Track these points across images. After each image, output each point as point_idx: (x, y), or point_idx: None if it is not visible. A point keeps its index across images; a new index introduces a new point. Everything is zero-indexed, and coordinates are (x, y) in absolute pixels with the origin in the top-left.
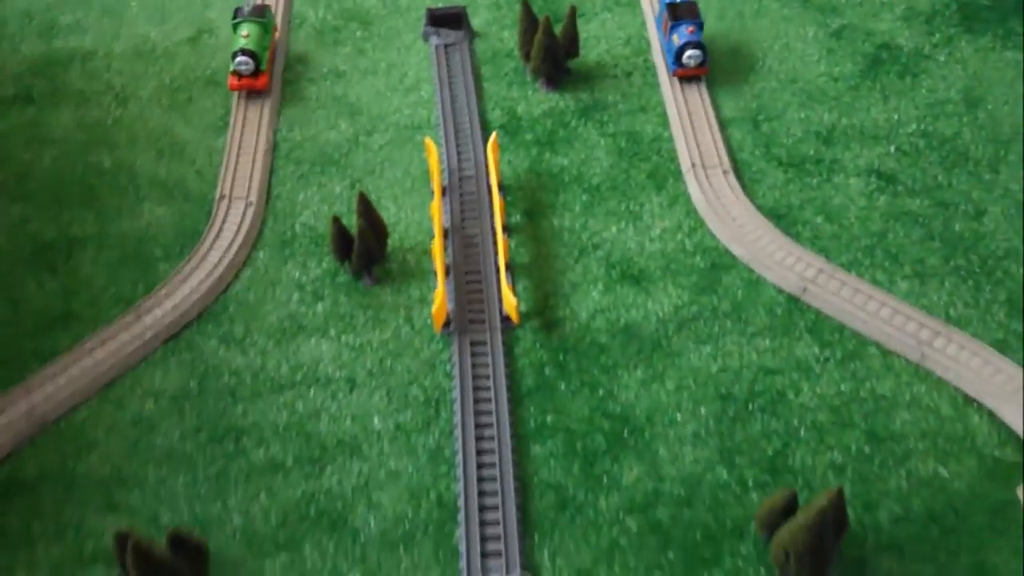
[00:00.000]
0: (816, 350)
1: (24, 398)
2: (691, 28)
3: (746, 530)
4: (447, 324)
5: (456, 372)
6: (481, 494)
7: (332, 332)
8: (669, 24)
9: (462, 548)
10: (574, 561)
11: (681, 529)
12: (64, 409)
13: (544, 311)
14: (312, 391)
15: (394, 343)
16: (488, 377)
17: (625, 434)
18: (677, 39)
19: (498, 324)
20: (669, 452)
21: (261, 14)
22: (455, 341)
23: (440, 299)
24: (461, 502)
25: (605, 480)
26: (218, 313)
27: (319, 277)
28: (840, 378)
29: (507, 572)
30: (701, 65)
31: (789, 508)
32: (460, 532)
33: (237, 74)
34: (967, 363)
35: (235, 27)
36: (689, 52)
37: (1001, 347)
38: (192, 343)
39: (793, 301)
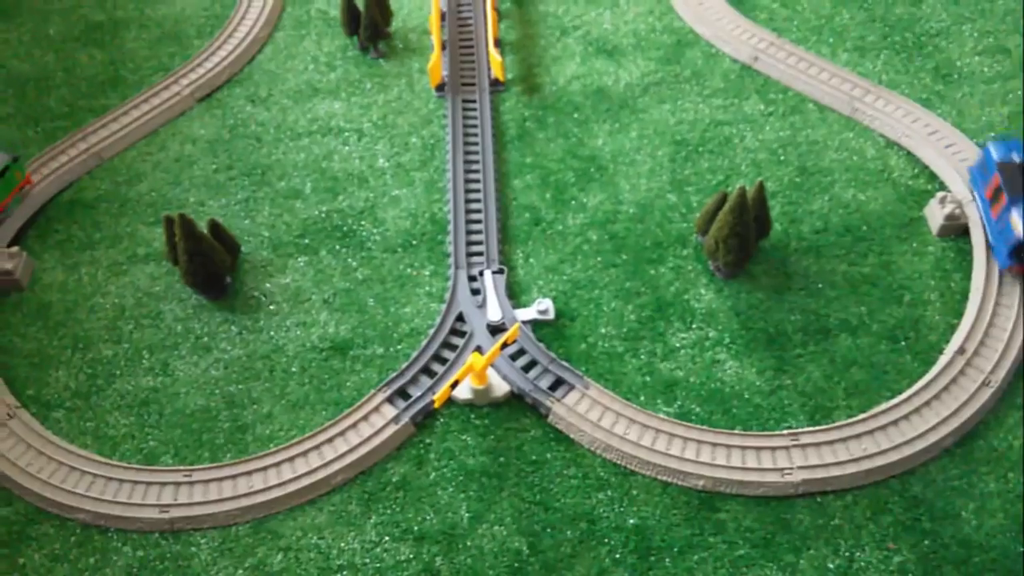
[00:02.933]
0: (762, 107)
1: (82, 140)
2: None
3: (688, 239)
4: (441, 87)
5: (449, 124)
6: (468, 212)
7: (343, 95)
8: (1006, 198)
9: (451, 249)
10: (543, 261)
11: (634, 238)
12: (116, 150)
13: (527, 78)
14: (326, 138)
15: (396, 103)
16: (476, 126)
17: (592, 171)
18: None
19: (487, 86)
20: (628, 183)
21: None
22: (449, 100)
23: (436, 58)
24: (451, 217)
25: (572, 204)
26: (244, 79)
27: (332, 52)
28: (780, 128)
29: (487, 266)
30: None
31: (719, 207)
32: (450, 239)
33: None
34: (892, 114)
35: None
36: None
37: (925, 104)
38: (223, 101)
39: (746, 68)
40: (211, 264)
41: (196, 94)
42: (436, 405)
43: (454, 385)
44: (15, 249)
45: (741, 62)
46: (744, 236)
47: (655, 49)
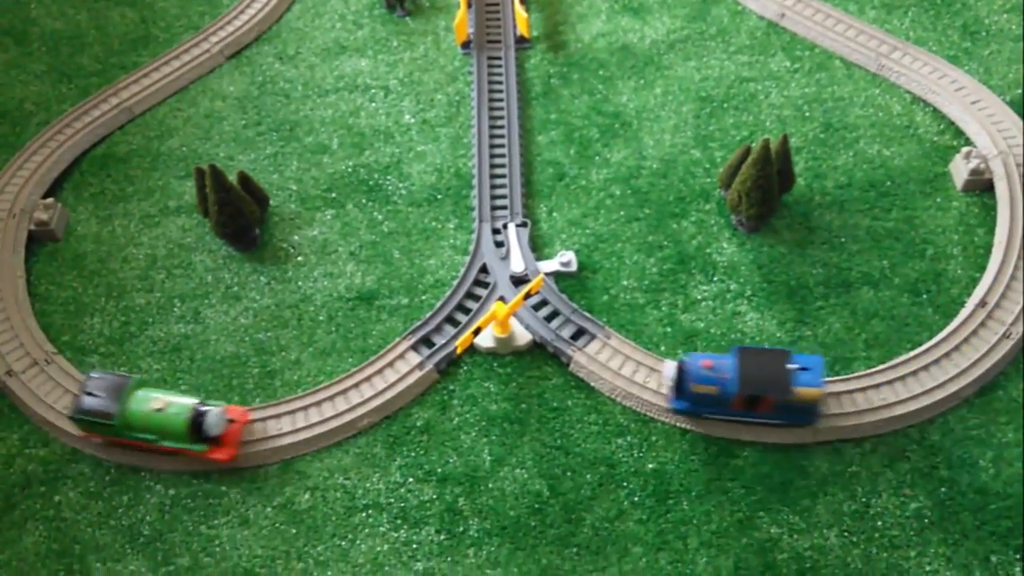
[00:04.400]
0: (788, 64)
1: (113, 95)
2: None
3: (711, 194)
4: (467, 44)
5: (475, 80)
6: (492, 167)
7: (370, 52)
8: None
9: (475, 203)
10: (566, 215)
11: (657, 193)
12: (147, 105)
13: (553, 36)
14: (353, 95)
15: (422, 60)
16: (501, 83)
17: (616, 127)
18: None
19: (512, 43)
20: (652, 139)
21: None
22: (475, 56)
23: (462, 15)
24: (475, 172)
25: (596, 160)
26: (272, 37)
27: (359, 10)
28: (806, 84)
29: (511, 219)
30: None
31: (743, 160)
32: (474, 193)
33: None
34: (919, 71)
35: None
36: None
37: (952, 61)
38: (252, 59)
39: (772, 25)
40: (240, 215)
41: (225, 52)
42: (458, 351)
43: (476, 332)
44: (50, 200)
45: (767, 19)
46: (767, 189)
47: (681, 7)
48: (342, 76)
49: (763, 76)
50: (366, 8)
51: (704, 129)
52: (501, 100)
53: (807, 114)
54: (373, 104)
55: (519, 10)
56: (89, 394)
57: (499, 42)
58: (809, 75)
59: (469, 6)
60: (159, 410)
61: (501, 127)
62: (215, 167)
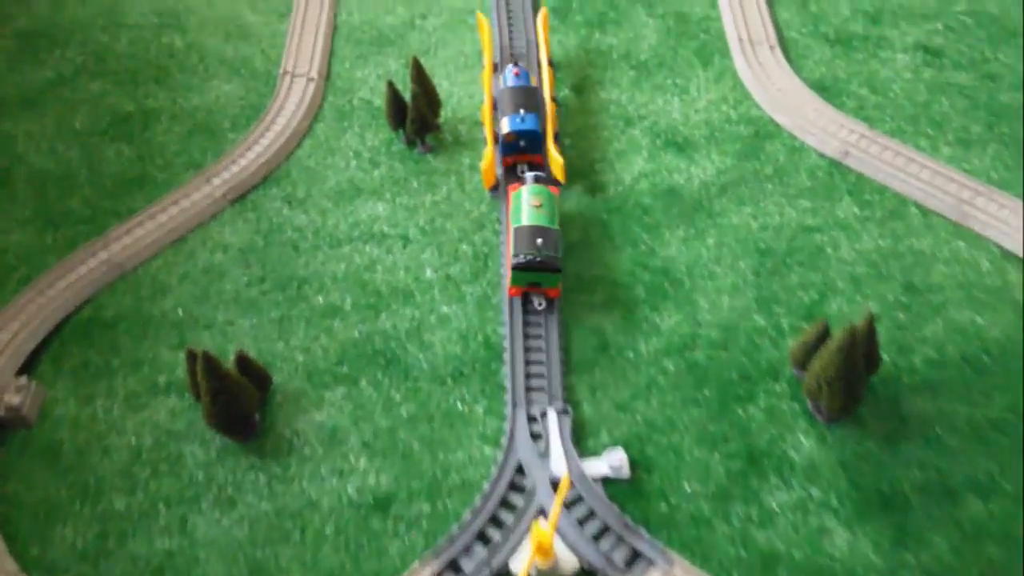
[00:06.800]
0: (856, 210)
1: (104, 249)
2: None
3: (781, 371)
4: (495, 187)
5: (504, 229)
6: (526, 337)
7: (387, 195)
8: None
9: (507, 383)
10: (613, 396)
11: (717, 369)
12: (140, 259)
13: (590, 175)
14: (368, 246)
15: (445, 204)
16: None
17: (665, 286)
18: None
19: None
20: (708, 301)
21: None
22: (503, 201)
23: (489, 157)
24: (507, 343)
25: (645, 326)
26: (281, 177)
27: (375, 146)
28: (879, 235)
29: (549, 403)
30: None
31: (822, 340)
32: (506, 369)
33: None
34: (1007, 220)
35: None
36: None
37: None
38: (257, 203)
39: (835, 165)
40: (237, 404)
41: (229, 195)
42: None
43: None
44: (24, 380)
45: (829, 157)
46: (852, 380)
47: (731, 142)
48: (357, 223)
49: (829, 225)
50: (383, 144)
51: (766, 289)
52: None
53: (883, 272)
54: (391, 257)
55: (554, 154)
56: None
57: None
58: (882, 224)
59: (497, 142)
60: None
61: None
62: (208, 355)
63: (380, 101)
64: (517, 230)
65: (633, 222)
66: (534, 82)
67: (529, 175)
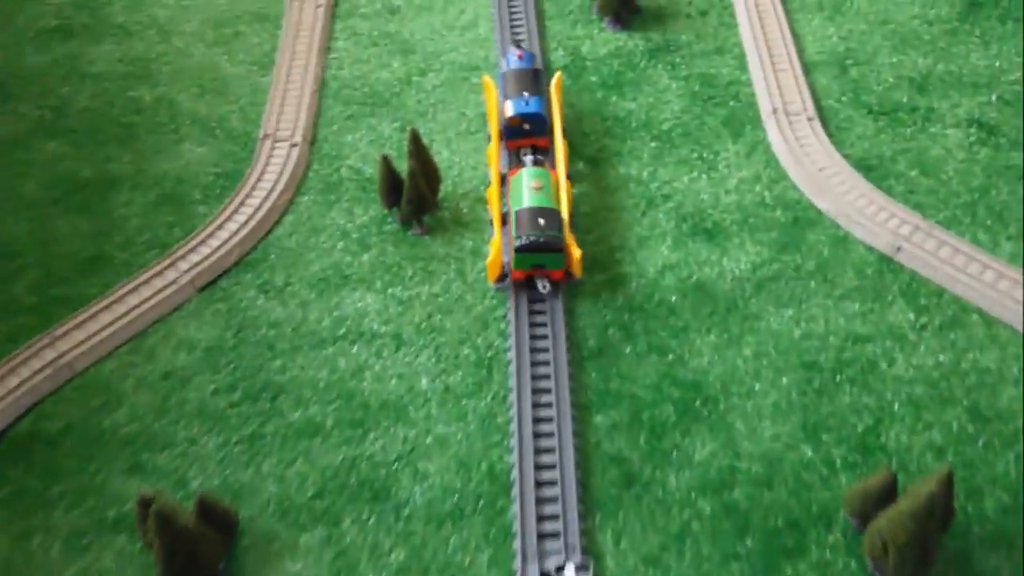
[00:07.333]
0: (912, 316)
1: (50, 347)
2: None
3: (834, 516)
4: (502, 277)
5: (512, 331)
6: (537, 467)
7: (378, 284)
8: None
9: (516, 527)
10: (640, 545)
11: (761, 513)
12: (92, 359)
13: (608, 266)
14: (355, 347)
15: (444, 298)
16: (546, 337)
17: (697, 404)
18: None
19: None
20: (747, 426)
21: None
22: (511, 296)
23: (496, 249)
24: (515, 475)
25: (675, 455)
26: (258, 261)
27: (366, 225)
28: (939, 348)
29: (566, 555)
30: None
31: (887, 493)
32: (514, 509)
33: None
34: None
35: None
36: None
37: None
38: (229, 292)
39: (886, 261)
40: (196, 561)
41: (196, 282)
42: None
43: None
44: None
45: (878, 251)
46: (927, 547)
47: (767, 229)
48: (342, 318)
49: (882, 333)
50: (374, 222)
51: (813, 412)
52: (546, 361)
53: (945, 394)
54: (381, 361)
55: (571, 247)
56: None
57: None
58: (941, 334)
59: (504, 224)
60: None
61: (548, 403)
62: (162, 512)
63: (372, 170)
64: (519, 212)
65: (658, 324)
66: (537, 64)
67: (528, 158)
